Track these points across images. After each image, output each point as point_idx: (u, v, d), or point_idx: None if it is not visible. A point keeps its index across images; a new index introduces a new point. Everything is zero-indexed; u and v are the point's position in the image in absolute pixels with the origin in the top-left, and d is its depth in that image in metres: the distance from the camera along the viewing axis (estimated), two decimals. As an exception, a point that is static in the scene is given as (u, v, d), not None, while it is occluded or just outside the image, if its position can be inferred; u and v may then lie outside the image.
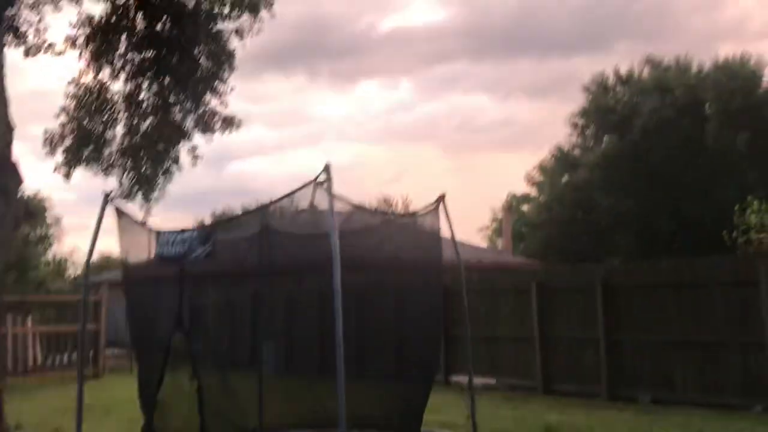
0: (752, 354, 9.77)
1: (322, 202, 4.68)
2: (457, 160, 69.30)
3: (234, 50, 11.54)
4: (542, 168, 35.39)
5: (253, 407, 5.98)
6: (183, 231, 4.81)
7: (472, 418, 6.11)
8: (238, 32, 11.47)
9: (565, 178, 32.10)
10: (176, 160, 11.40)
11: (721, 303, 10.22)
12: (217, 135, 11.64)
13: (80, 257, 40.96)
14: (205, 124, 11.33)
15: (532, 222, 34.24)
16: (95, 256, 7.18)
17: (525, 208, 40.48)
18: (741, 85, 27.35)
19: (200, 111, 11.30)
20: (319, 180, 4.26)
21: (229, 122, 11.46)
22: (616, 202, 27.97)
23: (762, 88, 28.14)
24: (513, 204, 41.52)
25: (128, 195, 12.73)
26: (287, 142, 70.28)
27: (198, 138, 11.74)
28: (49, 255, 38.86)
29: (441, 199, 5.83)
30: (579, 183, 29.74)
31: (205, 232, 4.69)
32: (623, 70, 31.53)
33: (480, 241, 46.51)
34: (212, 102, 11.45)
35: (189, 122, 11.37)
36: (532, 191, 38.64)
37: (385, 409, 5.91)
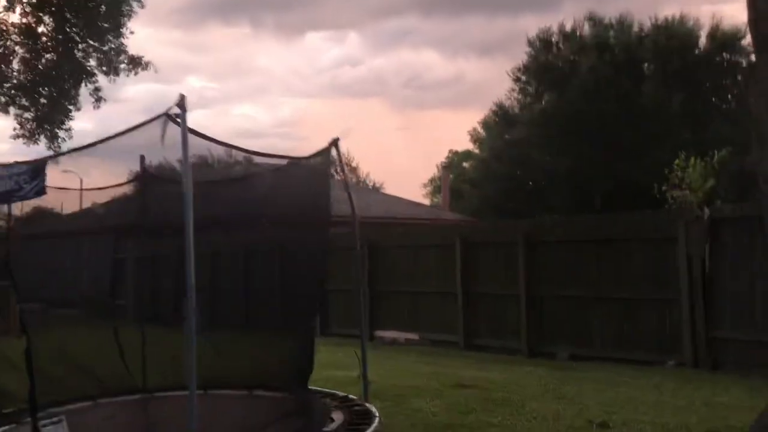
0: (667, 310, 9.76)
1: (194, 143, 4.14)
2: (404, 116, 68.87)
3: None
4: (485, 124, 35.13)
5: (111, 369, 5.53)
6: (12, 165, 4.25)
7: (363, 376, 5.77)
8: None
9: (505, 136, 31.87)
10: (75, 100, 10.57)
11: (640, 259, 10.16)
12: (136, 78, 10.93)
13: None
14: (109, 63, 10.47)
15: (471, 179, 34.14)
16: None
17: (466, 165, 40.40)
18: (678, 45, 27.41)
19: (104, 48, 10.42)
20: (171, 112, 3.70)
21: (135, 62, 10.62)
22: (553, 160, 27.97)
23: (698, 49, 28.29)
24: (454, 161, 41.42)
25: (31, 136, 11.82)
26: (230, 96, 68.47)
27: (104, 79, 10.97)
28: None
29: (334, 142, 5.36)
30: (517, 140, 29.59)
31: (36, 166, 4.15)
32: (568, 27, 31.18)
33: (422, 197, 46.58)
34: (117, 41, 10.60)
35: (92, 60, 10.50)
36: (474, 148, 38.45)
37: (269, 369, 5.53)
